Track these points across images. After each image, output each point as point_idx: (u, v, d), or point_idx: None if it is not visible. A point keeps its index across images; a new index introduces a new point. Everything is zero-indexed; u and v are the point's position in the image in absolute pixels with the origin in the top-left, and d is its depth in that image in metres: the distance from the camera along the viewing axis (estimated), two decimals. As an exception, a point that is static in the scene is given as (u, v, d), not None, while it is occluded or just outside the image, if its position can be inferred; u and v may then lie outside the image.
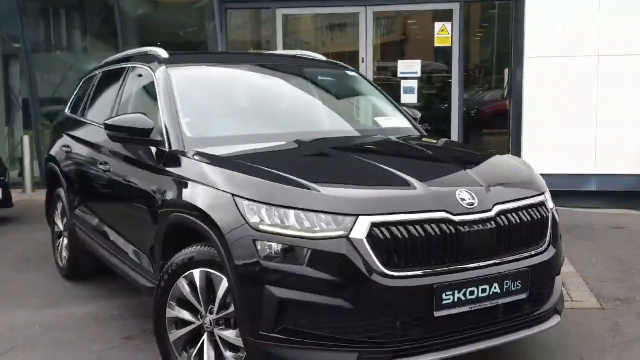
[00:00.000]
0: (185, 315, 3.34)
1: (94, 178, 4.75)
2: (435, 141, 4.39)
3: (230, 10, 10.10)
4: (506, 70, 10.26)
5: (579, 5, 8.47)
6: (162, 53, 4.50)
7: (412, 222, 2.91)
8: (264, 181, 3.10)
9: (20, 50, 11.56)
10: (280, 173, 3.16)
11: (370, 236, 2.84)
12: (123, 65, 5.01)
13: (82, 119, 5.40)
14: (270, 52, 5.35)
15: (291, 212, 2.93)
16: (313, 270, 2.84)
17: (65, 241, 5.55)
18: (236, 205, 3.04)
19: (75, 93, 6.06)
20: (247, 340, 2.98)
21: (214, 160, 3.50)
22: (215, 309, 3.22)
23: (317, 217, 2.89)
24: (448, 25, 9.44)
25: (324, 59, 5.15)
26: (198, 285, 3.27)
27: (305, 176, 3.11)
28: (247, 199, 3.03)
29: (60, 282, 5.56)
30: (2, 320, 4.65)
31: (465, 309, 2.96)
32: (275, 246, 2.90)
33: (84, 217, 5.04)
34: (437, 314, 2.90)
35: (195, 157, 3.59)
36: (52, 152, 5.85)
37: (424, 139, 4.32)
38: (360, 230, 2.84)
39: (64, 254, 5.58)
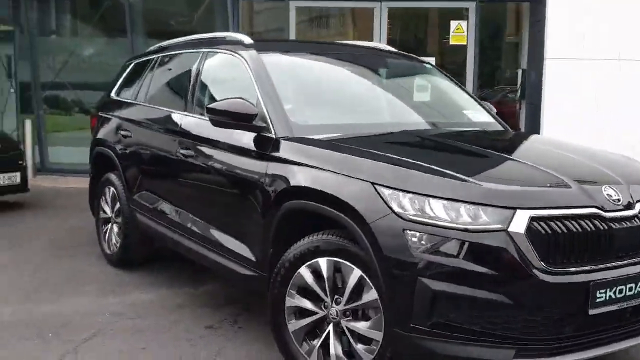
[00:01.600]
0: (307, 304, 3.24)
1: (170, 163, 4.54)
2: (541, 137, 4.37)
3: (243, 2, 9.98)
4: (519, 72, 10.34)
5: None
6: (245, 39, 4.39)
7: (568, 218, 2.85)
8: (409, 170, 3.01)
9: (12, 34, 11.14)
10: (421, 162, 3.07)
11: (529, 230, 2.78)
12: (193, 50, 4.86)
13: (145, 104, 5.20)
14: (348, 42, 5.25)
15: (443, 202, 2.84)
16: (469, 263, 2.76)
17: (116, 228, 5.37)
18: (378, 194, 2.94)
19: (123, 77, 5.87)
20: (393, 333, 2.89)
21: (339, 147, 3.40)
22: (343, 300, 3.12)
23: (473, 209, 2.81)
24: (463, 23, 9.47)
25: (397, 51, 5.08)
26: (325, 275, 3.17)
27: (447, 167, 3.03)
28: (391, 187, 2.93)
29: (108, 269, 5.38)
30: (64, 307, 4.48)
31: (615, 307, 2.91)
32: (429, 237, 2.81)
33: (151, 203, 4.85)
34: (591, 311, 2.84)
35: (313, 143, 3.49)
36: (101, 135, 5.65)
37: (528, 135, 4.29)
38: (519, 224, 2.76)
39: (114, 240, 5.40)
